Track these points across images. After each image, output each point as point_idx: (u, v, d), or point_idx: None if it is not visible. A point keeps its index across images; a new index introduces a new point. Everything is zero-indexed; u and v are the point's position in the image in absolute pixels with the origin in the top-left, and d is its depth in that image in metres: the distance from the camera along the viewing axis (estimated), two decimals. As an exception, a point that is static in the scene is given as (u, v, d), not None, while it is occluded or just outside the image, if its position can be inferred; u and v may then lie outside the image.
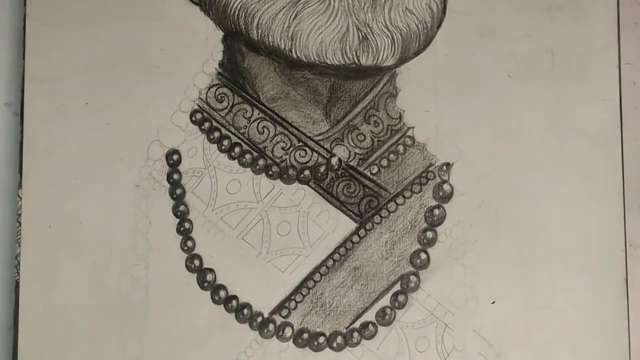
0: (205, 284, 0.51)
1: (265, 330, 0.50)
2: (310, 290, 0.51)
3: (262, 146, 0.52)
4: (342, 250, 0.51)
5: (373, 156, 0.52)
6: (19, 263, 0.51)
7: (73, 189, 0.51)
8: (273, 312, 0.51)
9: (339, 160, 0.52)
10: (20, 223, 0.51)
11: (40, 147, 0.52)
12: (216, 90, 0.52)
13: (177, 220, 0.51)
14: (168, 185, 0.52)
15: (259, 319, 0.51)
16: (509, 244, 0.51)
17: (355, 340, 0.50)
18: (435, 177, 0.52)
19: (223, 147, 0.52)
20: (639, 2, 0.55)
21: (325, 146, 0.52)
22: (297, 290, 0.51)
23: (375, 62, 0.51)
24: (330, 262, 0.51)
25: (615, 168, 0.51)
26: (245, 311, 0.51)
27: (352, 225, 0.51)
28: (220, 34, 0.52)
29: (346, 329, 0.51)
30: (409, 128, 0.52)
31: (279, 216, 0.51)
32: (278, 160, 0.52)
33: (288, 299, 0.51)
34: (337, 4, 0.50)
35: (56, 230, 0.51)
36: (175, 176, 0.52)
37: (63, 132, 0.52)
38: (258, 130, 0.52)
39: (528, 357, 0.50)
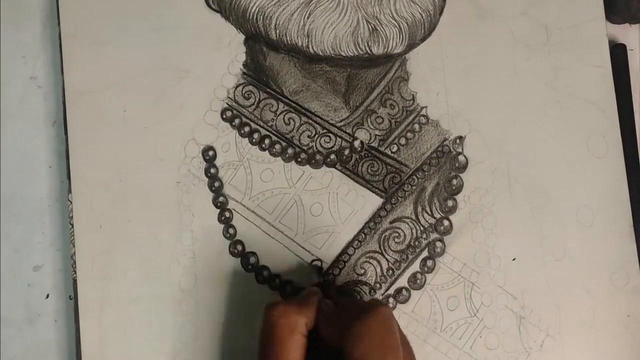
0: (249, 267, 0.55)
1: (308, 304, 0.55)
2: (346, 264, 0.55)
3: (290, 136, 0.56)
4: (371, 224, 0.56)
5: (392, 136, 0.56)
6: (74, 262, 0.55)
7: (119, 190, 0.55)
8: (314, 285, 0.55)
9: (361, 142, 0.56)
10: (72, 225, 0.55)
11: (85, 154, 0.56)
12: (243, 88, 0.57)
13: (218, 210, 0.56)
14: (206, 179, 0.56)
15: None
16: (524, 205, 0.56)
17: (391, 306, 0.55)
18: (450, 150, 0.56)
19: (254, 140, 0.56)
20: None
21: (348, 131, 0.56)
22: (333, 264, 0.55)
23: (386, 50, 0.56)
24: (361, 236, 0.55)
25: (614, 128, 0.56)
26: (289, 287, 0.55)
27: (378, 200, 0.56)
28: (242, 37, 0.57)
29: (382, 295, 0.55)
30: (422, 108, 0.57)
31: (311, 198, 0.56)
32: (305, 148, 0.56)
33: (326, 273, 0.55)
34: (346, 1, 0.55)
35: (106, 229, 0.55)
36: (212, 170, 0.56)
37: (105, 138, 0.56)
38: (284, 122, 0.56)
39: (549, 303, 0.55)
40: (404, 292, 0.55)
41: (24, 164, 0.58)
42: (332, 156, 0.56)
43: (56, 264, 0.57)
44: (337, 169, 0.56)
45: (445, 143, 0.56)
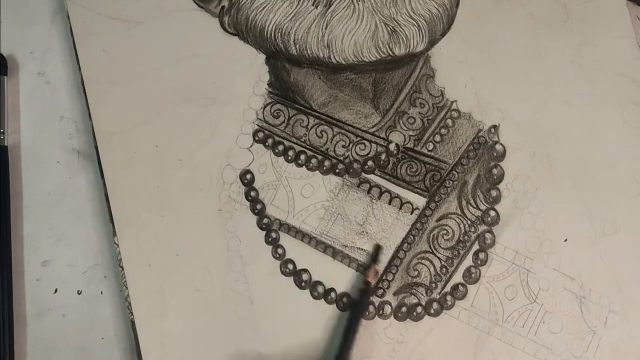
0: (303, 284, 0.55)
1: (367, 313, 0.55)
2: (399, 268, 0.55)
3: (324, 148, 0.56)
4: (418, 225, 0.55)
5: (426, 135, 0.56)
6: (129, 304, 0.55)
7: (163, 226, 0.55)
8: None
9: (396, 145, 0.56)
10: (122, 267, 0.55)
11: (124, 194, 0.55)
12: (271, 107, 0.57)
13: (264, 232, 0.55)
14: (248, 203, 0.56)
15: (359, 304, 0.55)
16: (567, 185, 0.56)
17: (449, 303, 0.55)
18: (486, 140, 0.56)
19: (289, 158, 0.56)
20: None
21: (381, 135, 0.56)
22: (387, 269, 0.55)
23: (407, 50, 0.55)
24: (410, 238, 0.55)
25: (646, 95, 0.56)
26: (345, 299, 0.55)
27: (422, 200, 0.56)
28: (263, 56, 0.57)
29: (439, 294, 0.55)
30: (452, 102, 0.57)
31: (354, 207, 0.56)
32: (342, 158, 0.56)
33: (380, 279, 0.55)
34: (362, 6, 0.55)
35: (156, 267, 0.55)
36: (253, 193, 0.56)
37: (140, 176, 0.56)
38: (317, 135, 0.56)
39: (607, 279, 0.55)
40: (460, 288, 0.55)
41: (32, 160, 0.58)
42: (370, 163, 0.56)
43: (64, 259, 0.57)
44: (376, 174, 0.56)
45: (480, 134, 0.56)
